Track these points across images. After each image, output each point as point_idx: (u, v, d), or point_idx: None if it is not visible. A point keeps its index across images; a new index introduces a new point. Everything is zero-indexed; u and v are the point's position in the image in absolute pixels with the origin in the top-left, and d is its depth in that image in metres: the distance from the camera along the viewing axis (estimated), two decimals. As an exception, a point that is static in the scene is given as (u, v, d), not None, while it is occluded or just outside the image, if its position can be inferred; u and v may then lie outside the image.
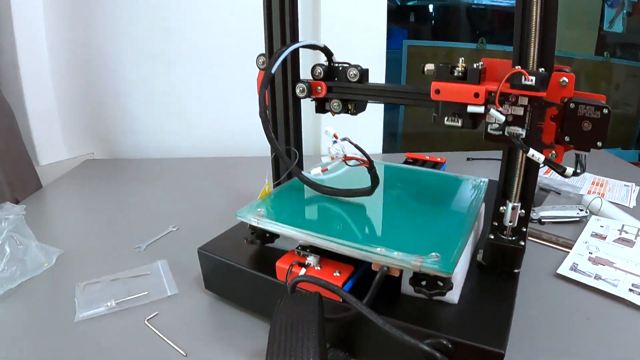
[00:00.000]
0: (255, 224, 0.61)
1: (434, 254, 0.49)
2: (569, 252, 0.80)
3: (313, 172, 0.70)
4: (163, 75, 1.33)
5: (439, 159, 1.01)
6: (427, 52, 1.54)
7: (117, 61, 1.31)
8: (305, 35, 1.27)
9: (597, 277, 0.72)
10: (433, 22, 1.58)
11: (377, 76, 1.29)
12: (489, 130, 0.51)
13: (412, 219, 0.62)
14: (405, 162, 0.99)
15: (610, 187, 1.14)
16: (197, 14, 1.28)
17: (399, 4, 1.43)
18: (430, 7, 1.51)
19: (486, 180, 0.74)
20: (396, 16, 1.46)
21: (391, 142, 1.31)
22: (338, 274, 0.54)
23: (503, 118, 0.49)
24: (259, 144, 0.90)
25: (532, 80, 0.48)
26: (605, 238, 0.85)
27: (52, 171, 1.26)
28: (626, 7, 1.61)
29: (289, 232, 0.58)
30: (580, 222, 0.92)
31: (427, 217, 0.63)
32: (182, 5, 1.27)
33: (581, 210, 0.93)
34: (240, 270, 0.62)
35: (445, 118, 0.53)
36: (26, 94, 1.22)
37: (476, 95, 0.49)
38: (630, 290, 0.69)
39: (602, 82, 1.72)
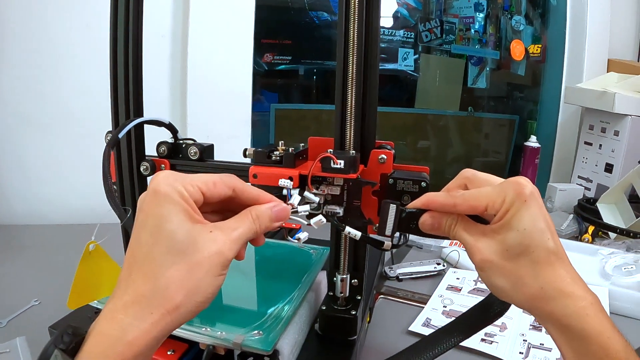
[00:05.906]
0: (95, 305, 0.60)
1: (255, 331, 0.51)
2: (423, 308, 0.83)
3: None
4: (37, 140, 1.28)
5: (294, 225, 0.97)
6: (294, 115, 1.57)
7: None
8: (173, 98, 1.28)
9: (449, 331, 0.76)
10: (302, 85, 1.60)
11: (244, 140, 1.31)
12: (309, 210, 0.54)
13: (246, 295, 0.63)
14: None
15: (473, 236, 1.20)
16: (73, 79, 1.26)
17: (267, 68, 1.47)
18: (300, 70, 1.55)
19: (328, 248, 0.74)
20: (267, 80, 1.50)
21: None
22: (172, 352, 0.54)
23: (317, 200, 0.52)
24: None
25: (340, 164, 0.52)
26: (460, 290, 0.89)
27: None
28: (489, 64, 1.76)
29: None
30: (439, 276, 0.96)
31: (260, 292, 0.64)
32: (59, 69, 1.25)
33: (438, 264, 0.98)
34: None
35: (267, 200, 0.55)
36: None
37: (290, 179, 0.51)
38: (483, 340, 0.72)
39: (473, 133, 1.85)
